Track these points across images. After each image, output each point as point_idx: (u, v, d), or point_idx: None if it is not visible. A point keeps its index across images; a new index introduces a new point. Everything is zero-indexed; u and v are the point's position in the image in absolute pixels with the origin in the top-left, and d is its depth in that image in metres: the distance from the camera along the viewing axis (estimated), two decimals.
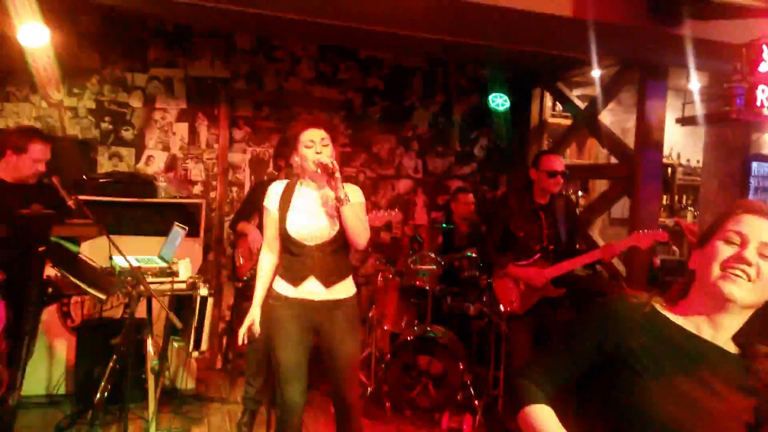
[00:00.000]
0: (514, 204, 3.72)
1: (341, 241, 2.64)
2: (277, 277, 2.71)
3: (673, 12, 3.49)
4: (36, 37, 3.74)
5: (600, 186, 5.62)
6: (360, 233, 2.60)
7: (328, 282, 2.64)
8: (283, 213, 2.66)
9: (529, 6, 3.36)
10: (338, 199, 2.54)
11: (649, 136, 4.32)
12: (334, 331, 2.65)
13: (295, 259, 2.65)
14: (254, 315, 2.67)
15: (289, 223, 2.64)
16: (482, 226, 5.05)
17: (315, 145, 2.58)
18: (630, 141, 4.56)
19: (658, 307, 1.31)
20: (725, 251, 1.23)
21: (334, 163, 2.54)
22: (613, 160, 4.92)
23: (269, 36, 5.05)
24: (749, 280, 1.20)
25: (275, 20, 3.92)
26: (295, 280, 2.64)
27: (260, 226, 3.52)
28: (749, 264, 1.20)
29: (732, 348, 1.28)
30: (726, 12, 3.41)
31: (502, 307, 3.70)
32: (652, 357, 1.24)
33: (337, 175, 2.53)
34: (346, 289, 2.71)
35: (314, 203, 2.66)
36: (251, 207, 3.90)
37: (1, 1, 3.39)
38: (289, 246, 2.66)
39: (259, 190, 3.92)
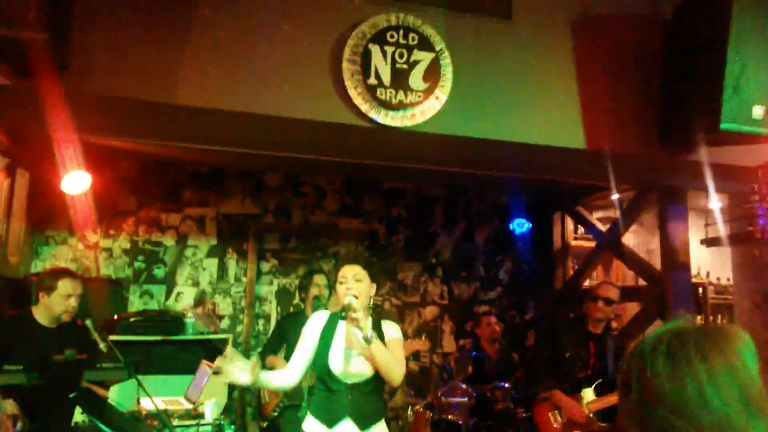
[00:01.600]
0: (567, 327, 3.73)
1: (378, 380, 2.57)
2: (309, 417, 2.62)
3: (685, 140, 3.61)
4: (78, 184, 3.97)
5: (629, 309, 5.50)
6: (392, 371, 2.53)
7: (363, 424, 2.54)
8: (324, 347, 2.59)
9: (545, 140, 3.53)
10: (364, 339, 2.49)
11: (675, 258, 4.29)
12: None
13: (330, 397, 2.56)
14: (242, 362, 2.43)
15: (330, 359, 2.57)
16: (513, 353, 4.92)
17: (347, 281, 2.57)
18: (656, 262, 4.53)
19: None
20: None
21: (353, 303, 2.48)
22: (641, 282, 4.86)
23: (296, 173, 5.30)
24: None
25: (302, 160, 4.15)
26: (330, 421, 2.54)
27: (287, 358, 3.49)
28: None
29: None
30: (736, 138, 3.51)
31: None
32: None
33: (356, 315, 2.46)
34: (379, 431, 2.61)
35: (353, 340, 2.59)
36: (279, 340, 3.89)
37: (48, 153, 3.62)
38: (326, 381, 2.57)
39: (286, 323, 3.94)
